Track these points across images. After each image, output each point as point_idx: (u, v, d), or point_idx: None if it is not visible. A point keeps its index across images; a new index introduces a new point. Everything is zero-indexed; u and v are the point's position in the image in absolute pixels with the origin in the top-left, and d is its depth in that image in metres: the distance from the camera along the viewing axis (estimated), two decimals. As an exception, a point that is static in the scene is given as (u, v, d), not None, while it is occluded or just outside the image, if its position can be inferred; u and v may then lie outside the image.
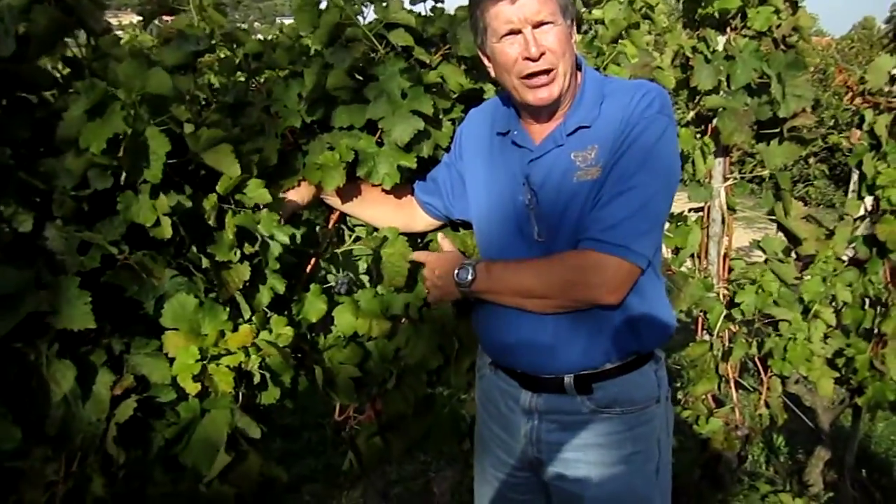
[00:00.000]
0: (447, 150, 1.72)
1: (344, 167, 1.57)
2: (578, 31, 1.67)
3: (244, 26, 1.68)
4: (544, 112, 1.51)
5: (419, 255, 1.68)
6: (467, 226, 1.79)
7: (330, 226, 1.78)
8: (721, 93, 2.50)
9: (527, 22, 1.40)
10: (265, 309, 1.51)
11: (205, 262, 1.38)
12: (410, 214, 1.76)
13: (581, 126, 1.47)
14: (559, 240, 1.47)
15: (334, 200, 1.69)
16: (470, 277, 1.55)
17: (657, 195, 1.40)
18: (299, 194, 1.62)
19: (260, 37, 1.67)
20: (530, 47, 1.40)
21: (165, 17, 1.72)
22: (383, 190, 1.65)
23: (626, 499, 1.53)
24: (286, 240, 1.46)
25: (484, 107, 1.69)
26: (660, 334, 1.53)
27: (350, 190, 1.66)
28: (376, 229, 1.75)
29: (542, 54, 1.41)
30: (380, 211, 1.73)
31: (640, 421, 1.52)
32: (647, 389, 1.53)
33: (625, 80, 1.51)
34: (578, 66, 1.53)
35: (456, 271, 1.58)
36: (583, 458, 1.53)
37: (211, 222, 1.39)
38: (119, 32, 1.40)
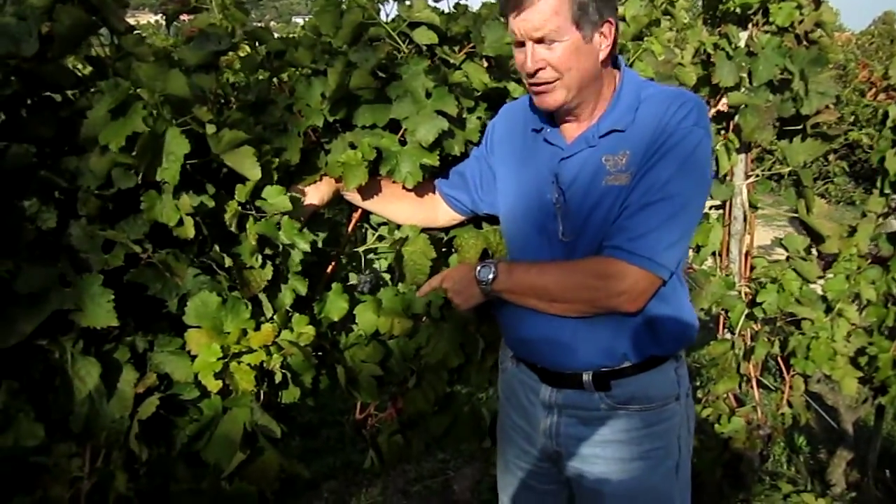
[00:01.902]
0: (476, 144, 1.72)
1: (366, 166, 1.56)
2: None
3: (261, 25, 1.67)
4: (563, 114, 1.51)
5: (434, 282, 1.67)
6: (491, 220, 1.79)
7: (352, 225, 1.77)
8: (743, 89, 2.47)
9: (528, 37, 1.41)
10: (287, 308, 1.51)
11: (227, 261, 1.37)
12: (433, 209, 1.76)
13: (614, 129, 1.46)
14: (583, 241, 1.47)
15: (355, 198, 1.69)
16: (491, 276, 1.55)
17: (688, 207, 1.39)
18: (319, 193, 1.62)
19: (277, 35, 1.66)
20: (527, 62, 1.43)
21: (184, 17, 1.72)
22: (404, 186, 1.65)
23: (644, 495, 1.53)
24: (307, 247, 1.45)
25: (518, 103, 1.68)
26: (680, 338, 1.53)
27: (371, 187, 1.66)
28: (399, 227, 1.75)
29: (540, 69, 1.43)
30: (401, 207, 1.73)
31: (658, 418, 1.52)
32: (666, 387, 1.53)
33: (664, 87, 1.48)
34: (617, 66, 1.52)
35: (477, 269, 1.58)
36: (601, 453, 1.54)
37: (232, 229, 1.39)
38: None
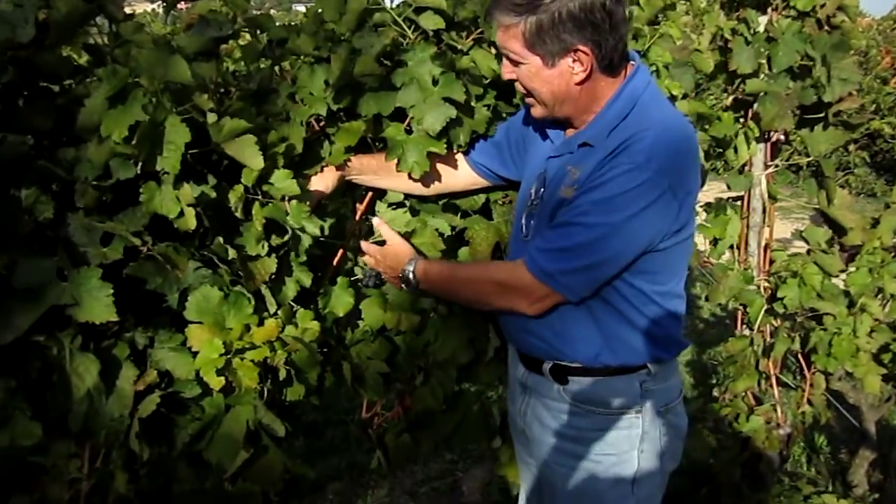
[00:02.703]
0: (483, 135, 1.72)
1: (363, 132, 1.59)
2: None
3: (261, 13, 1.67)
4: (553, 120, 1.56)
5: (368, 249, 1.68)
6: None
7: (358, 216, 1.78)
8: (762, 76, 2.46)
9: (500, 47, 1.45)
10: (291, 303, 1.52)
11: (231, 254, 1.38)
12: (451, 173, 1.75)
13: (587, 143, 1.48)
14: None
15: (364, 177, 1.70)
16: (413, 282, 1.62)
17: (607, 239, 1.40)
18: (323, 181, 1.63)
19: (278, 24, 1.66)
20: (504, 72, 1.50)
21: (182, 5, 1.72)
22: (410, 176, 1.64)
23: (590, 498, 1.57)
24: (317, 231, 1.46)
25: None
26: (640, 353, 1.54)
27: (375, 162, 1.67)
28: (413, 212, 1.77)
29: (513, 80, 1.49)
30: (414, 182, 1.70)
31: (613, 425, 1.55)
32: (625, 397, 1.55)
33: (655, 115, 1.44)
34: (618, 74, 1.48)
35: (399, 280, 1.64)
36: (557, 445, 1.59)
37: (238, 214, 1.39)
38: (134, 21, 1.40)
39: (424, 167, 1.60)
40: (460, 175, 1.76)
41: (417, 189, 1.73)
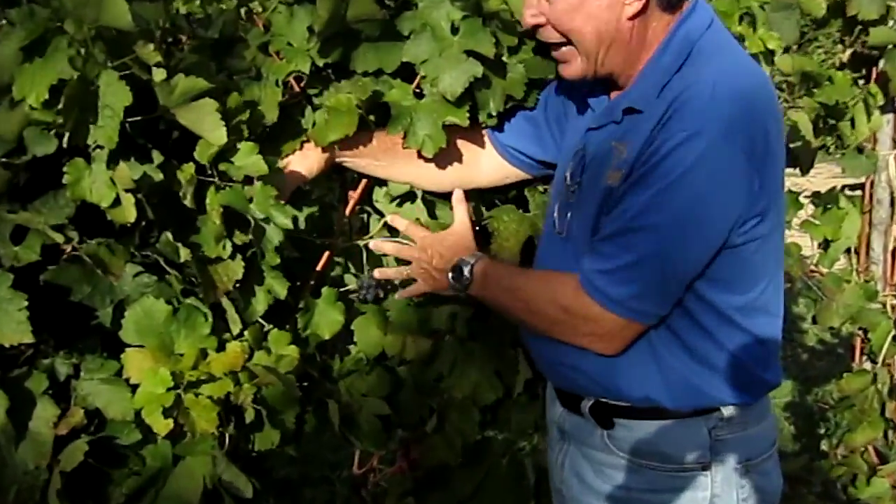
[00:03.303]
0: (520, 100, 1.72)
1: (359, 112, 1.56)
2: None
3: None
4: (590, 82, 1.56)
5: (412, 229, 1.70)
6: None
7: (349, 208, 1.78)
8: (891, 23, 2.44)
9: None
10: (261, 320, 1.52)
11: (183, 255, 1.38)
12: (472, 163, 1.77)
13: (633, 108, 1.47)
14: (572, 243, 1.55)
15: (358, 162, 1.71)
16: (465, 281, 1.62)
17: (674, 243, 1.42)
18: (306, 161, 1.63)
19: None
20: (525, 13, 1.51)
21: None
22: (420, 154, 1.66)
23: None
24: (288, 223, 1.45)
25: None
26: (705, 396, 1.53)
27: (375, 142, 1.68)
28: (430, 214, 1.78)
29: (538, 26, 1.50)
30: (424, 169, 1.72)
31: (672, 485, 1.54)
32: (689, 447, 1.53)
33: (716, 64, 1.44)
34: (676, 8, 1.47)
35: (450, 273, 1.64)
36: None
37: (187, 202, 1.39)
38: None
39: (440, 143, 1.59)
40: (486, 163, 1.78)
41: (428, 181, 1.75)
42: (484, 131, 1.76)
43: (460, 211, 1.71)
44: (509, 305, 1.61)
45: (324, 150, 1.63)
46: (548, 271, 1.62)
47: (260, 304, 1.50)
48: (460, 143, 1.73)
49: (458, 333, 1.75)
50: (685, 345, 1.51)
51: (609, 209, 1.46)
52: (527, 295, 1.58)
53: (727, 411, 1.53)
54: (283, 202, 1.48)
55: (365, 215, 1.84)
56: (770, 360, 1.57)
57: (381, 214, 1.81)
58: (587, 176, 1.53)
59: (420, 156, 1.67)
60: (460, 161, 1.75)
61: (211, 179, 1.42)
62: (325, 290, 1.66)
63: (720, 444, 1.53)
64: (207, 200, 1.41)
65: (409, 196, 1.79)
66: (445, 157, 1.72)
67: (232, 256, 1.43)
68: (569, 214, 1.55)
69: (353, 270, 1.78)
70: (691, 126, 1.36)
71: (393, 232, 1.74)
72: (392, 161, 1.70)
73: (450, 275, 1.63)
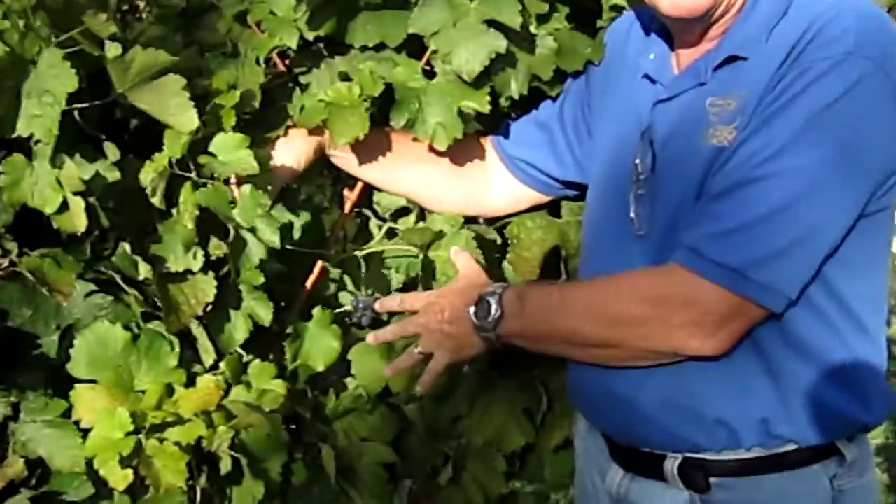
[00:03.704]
0: (549, 81, 1.70)
1: (367, 108, 1.55)
2: None
3: None
4: (696, 27, 1.49)
5: (408, 301, 1.67)
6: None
7: (346, 211, 1.78)
8: None
9: None
10: (240, 350, 1.53)
11: (143, 270, 1.38)
12: (481, 183, 1.78)
13: (735, 56, 1.45)
14: (669, 238, 1.47)
15: (351, 164, 1.71)
16: (495, 314, 1.53)
17: (817, 192, 1.34)
18: (292, 152, 1.64)
19: None
20: None
21: None
22: (432, 148, 1.66)
23: None
24: (275, 239, 1.45)
25: (625, 19, 1.70)
26: (834, 425, 1.48)
27: (376, 144, 1.68)
28: (423, 216, 1.77)
29: None
30: (430, 181, 1.75)
31: None
32: None
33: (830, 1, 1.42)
34: None
35: (471, 308, 1.56)
36: None
37: (156, 201, 1.39)
38: None
39: (455, 132, 1.59)
40: (497, 181, 1.81)
41: (429, 196, 1.78)
42: (488, 140, 1.78)
43: (463, 258, 1.68)
44: (565, 329, 1.53)
45: (312, 133, 1.63)
46: (609, 275, 1.56)
47: (238, 329, 1.50)
48: (468, 153, 1.75)
49: (479, 363, 1.74)
50: (808, 350, 1.44)
51: (716, 172, 1.42)
52: (590, 304, 1.52)
53: (850, 452, 1.49)
54: (270, 208, 1.49)
55: (363, 220, 1.84)
56: (884, 375, 1.53)
57: (384, 219, 1.82)
58: (668, 153, 1.50)
59: (424, 165, 1.71)
60: (468, 176, 1.77)
61: (187, 175, 1.41)
62: (317, 311, 1.65)
63: (842, 498, 1.50)
64: (181, 198, 1.41)
65: (404, 212, 1.80)
66: (452, 169, 1.75)
67: (203, 271, 1.43)
68: (646, 206, 1.52)
69: (350, 287, 1.78)
70: (835, 52, 1.33)
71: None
72: (391, 166, 1.72)
73: (472, 315, 1.56)
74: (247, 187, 1.44)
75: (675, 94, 1.51)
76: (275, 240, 1.46)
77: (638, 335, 1.46)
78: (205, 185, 1.42)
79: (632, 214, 1.52)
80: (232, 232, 1.44)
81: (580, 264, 1.72)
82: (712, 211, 1.39)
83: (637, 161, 1.53)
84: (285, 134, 1.63)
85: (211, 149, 1.43)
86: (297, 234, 1.56)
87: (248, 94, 1.50)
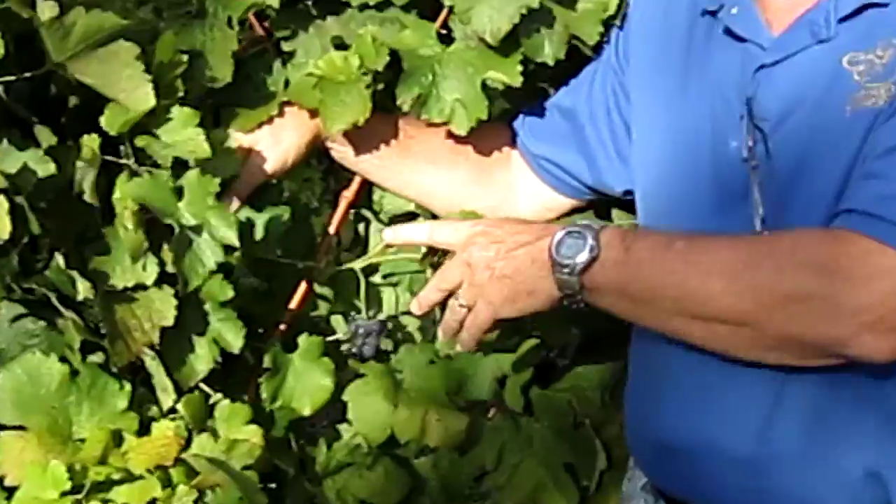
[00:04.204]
0: (596, 48, 1.72)
1: (368, 85, 1.55)
2: None
3: None
4: None
5: (438, 231, 1.62)
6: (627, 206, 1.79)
7: (339, 213, 1.78)
8: None
9: None
10: (205, 386, 1.53)
11: (82, 289, 1.38)
12: (506, 186, 1.80)
13: (870, 2, 1.44)
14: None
15: (349, 157, 1.72)
16: (589, 254, 1.45)
17: None
18: (278, 145, 1.65)
19: None
20: None
21: None
22: (450, 136, 1.67)
23: None
24: (232, 235, 1.44)
25: None
26: None
27: (380, 133, 1.70)
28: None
29: None
30: (445, 182, 1.77)
31: None
32: None
33: None
34: None
35: (556, 240, 1.48)
36: None
37: (87, 196, 1.39)
38: None
39: (478, 112, 1.59)
40: (523, 183, 1.81)
41: (444, 201, 1.79)
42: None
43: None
44: (684, 289, 1.44)
45: (308, 119, 1.64)
46: (753, 235, 1.48)
47: (202, 360, 1.50)
48: (493, 146, 1.76)
49: (510, 404, 1.73)
50: None
51: (877, 130, 1.39)
52: (729, 262, 1.43)
53: None
54: (238, 208, 1.50)
55: (362, 224, 1.86)
56: None
57: (386, 223, 1.84)
58: (788, 131, 1.48)
59: (440, 163, 1.73)
60: (493, 177, 1.79)
61: (122, 161, 1.42)
62: (303, 338, 1.65)
63: None
64: (116, 194, 1.41)
65: (411, 216, 1.83)
66: (475, 168, 1.78)
67: (157, 285, 1.43)
68: (764, 191, 1.48)
69: (343, 308, 1.78)
70: None
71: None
72: (399, 163, 1.74)
73: (552, 249, 1.48)
74: (192, 173, 1.44)
75: (786, 55, 1.49)
76: (231, 236, 1.45)
77: (787, 315, 1.38)
78: (144, 173, 1.42)
79: (759, 208, 1.48)
80: (176, 230, 1.43)
81: None
82: (879, 171, 1.38)
83: (740, 143, 1.50)
84: (276, 116, 1.63)
85: (156, 129, 1.43)
86: (274, 243, 1.57)
87: (207, 65, 1.51)
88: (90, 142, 1.37)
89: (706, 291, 1.41)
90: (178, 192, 1.43)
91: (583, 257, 1.43)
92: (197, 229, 1.44)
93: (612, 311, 1.51)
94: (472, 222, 1.59)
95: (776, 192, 1.47)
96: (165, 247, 1.43)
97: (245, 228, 1.51)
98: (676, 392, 1.54)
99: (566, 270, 1.45)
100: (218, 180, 1.44)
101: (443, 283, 1.57)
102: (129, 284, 1.40)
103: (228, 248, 1.46)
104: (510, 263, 1.51)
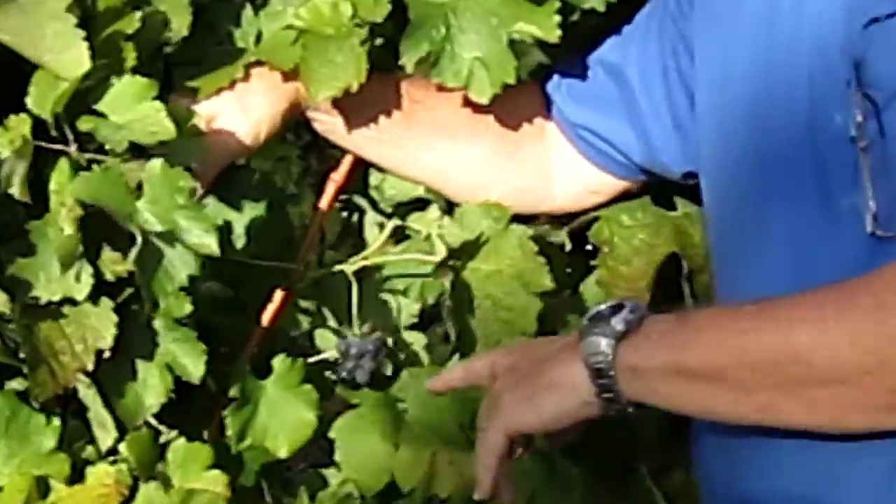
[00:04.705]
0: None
1: (363, 40, 1.56)
2: None
3: None
4: None
5: (459, 373, 1.62)
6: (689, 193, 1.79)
7: (326, 201, 1.78)
8: None
9: None
10: (154, 421, 1.53)
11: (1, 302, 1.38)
12: (540, 163, 1.82)
13: None
14: None
15: (339, 132, 1.73)
16: (630, 315, 1.44)
17: None
18: (245, 112, 1.65)
19: None
20: None
21: None
22: (468, 102, 1.68)
23: None
24: (212, 244, 1.44)
25: None
26: None
27: (378, 101, 1.71)
28: (450, 209, 1.77)
29: None
30: (462, 159, 1.79)
31: None
32: None
33: None
34: None
35: (588, 315, 1.48)
36: None
37: (14, 189, 1.39)
38: None
39: (504, 75, 1.59)
40: (559, 162, 1.82)
41: (463, 186, 1.81)
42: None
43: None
44: (769, 346, 1.40)
45: (286, 80, 1.64)
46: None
47: (152, 392, 1.50)
48: (522, 116, 1.77)
49: (541, 444, 1.72)
50: None
51: None
52: (820, 303, 1.42)
53: None
54: (203, 195, 1.51)
55: (355, 214, 1.87)
56: None
57: (388, 215, 1.84)
58: None
59: (457, 136, 1.75)
60: (523, 153, 1.81)
61: (62, 148, 1.41)
62: (278, 360, 1.66)
63: None
64: (52, 186, 1.41)
65: (418, 203, 1.83)
66: (500, 142, 1.79)
67: (92, 299, 1.43)
68: (878, 190, 1.47)
69: (331, 322, 1.80)
70: None
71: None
72: (404, 138, 1.76)
73: (583, 323, 1.49)
74: (156, 163, 1.43)
75: None
76: (211, 244, 1.44)
77: (853, 372, 1.37)
78: (90, 165, 1.41)
79: (868, 215, 1.45)
80: (139, 238, 1.42)
81: (722, 284, 1.65)
82: None
83: (844, 119, 1.49)
84: (244, 79, 1.63)
85: (99, 106, 1.42)
86: (239, 240, 1.57)
87: (160, 18, 1.51)
88: (18, 124, 1.37)
89: (790, 346, 1.40)
90: (137, 188, 1.42)
91: (620, 322, 1.42)
92: (165, 236, 1.43)
93: (662, 404, 1.46)
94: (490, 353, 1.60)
95: (892, 180, 1.45)
96: (105, 251, 1.43)
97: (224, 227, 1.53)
98: (773, 448, 1.51)
99: (597, 341, 1.42)
100: (186, 175, 1.43)
101: (474, 372, 1.59)
102: (56, 298, 1.40)
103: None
104: (543, 372, 1.50)
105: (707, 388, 1.43)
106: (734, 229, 1.62)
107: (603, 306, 1.45)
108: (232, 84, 1.62)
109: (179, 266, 1.44)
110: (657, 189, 1.84)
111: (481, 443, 1.50)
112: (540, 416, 1.48)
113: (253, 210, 1.65)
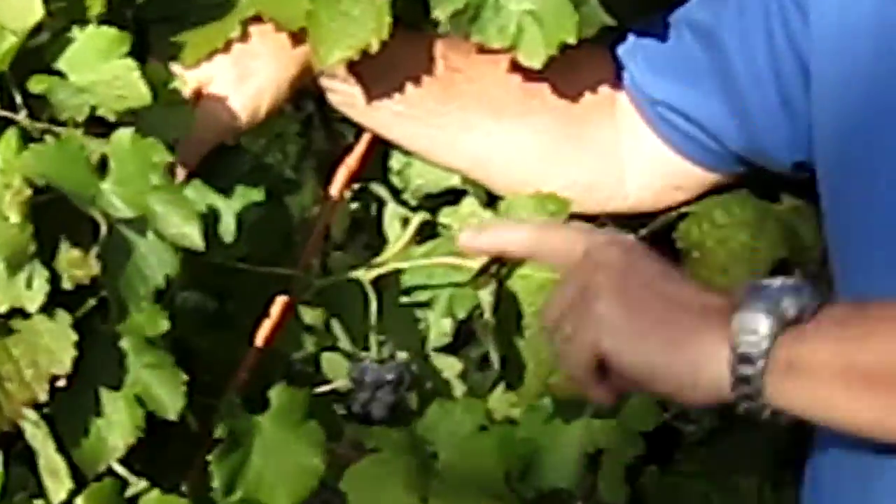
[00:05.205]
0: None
1: None
2: None
3: None
4: None
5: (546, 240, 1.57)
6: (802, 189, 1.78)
7: (336, 189, 1.78)
8: None
9: None
10: (122, 468, 1.52)
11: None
12: (607, 148, 1.83)
13: None
14: None
15: (353, 102, 1.75)
16: (805, 299, 1.39)
17: None
18: (243, 79, 1.68)
19: None
20: None
21: None
22: (518, 69, 1.68)
23: None
24: (196, 237, 1.44)
25: None
26: None
27: (405, 66, 1.73)
28: (491, 201, 1.78)
29: None
30: (508, 137, 1.80)
31: None
32: None
33: None
34: None
35: (747, 306, 1.41)
36: None
37: None
38: None
39: (563, 35, 1.58)
40: (627, 145, 1.84)
41: (510, 177, 1.82)
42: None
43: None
44: None
45: (293, 42, 1.64)
46: None
47: (118, 431, 1.50)
48: (585, 87, 1.78)
49: (608, 497, 1.74)
50: None
51: None
52: None
53: None
54: (188, 177, 1.52)
55: (373, 205, 1.87)
56: None
57: (410, 207, 1.84)
58: None
59: (502, 111, 1.76)
60: (587, 135, 1.82)
61: (8, 115, 1.42)
62: (276, 391, 1.66)
63: None
64: None
65: (451, 195, 1.85)
66: (553, 119, 1.80)
67: (46, 310, 1.42)
68: None
69: (341, 343, 1.78)
70: None
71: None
72: (437, 113, 1.77)
73: (739, 317, 1.40)
74: (125, 133, 1.42)
75: None
76: (193, 236, 1.44)
77: None
78: (43, 136, 1.41)
79: None
80: (103, 228, 1.42)
81: (846, 297, 1.60)
82: None
83: None
84: (242, 38, 1.63)
85: (56, 63, 1.43)
86: (228, 235, 1.58)
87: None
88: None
89: None
90: (102, 166, 1.42)
91: (793, 306, 1.37)
92: (136, 224, 1.42)
93: (817, 414, 1.41)
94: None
95: None
96: (63, 249, 1.42)
97: (210, 221, 1.52)
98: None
99: (757, 319, 1.37)
100: (164, 149, 1.42)
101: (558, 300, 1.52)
102: (3, 309, 1.40)
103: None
104: (662, 321, 1.44)
105: (874, 401, 1.36)
106: (861, 230, 1.59)
107: (775, 281, 1.41)
108: (227, 45, 1.62)
109: (154, 263, 1.44)
110: (755, 180, 1.83)
111: (567, 355, 1.46)
112: (641, 373, 1.42)
113: (244, 199, 1.65)
